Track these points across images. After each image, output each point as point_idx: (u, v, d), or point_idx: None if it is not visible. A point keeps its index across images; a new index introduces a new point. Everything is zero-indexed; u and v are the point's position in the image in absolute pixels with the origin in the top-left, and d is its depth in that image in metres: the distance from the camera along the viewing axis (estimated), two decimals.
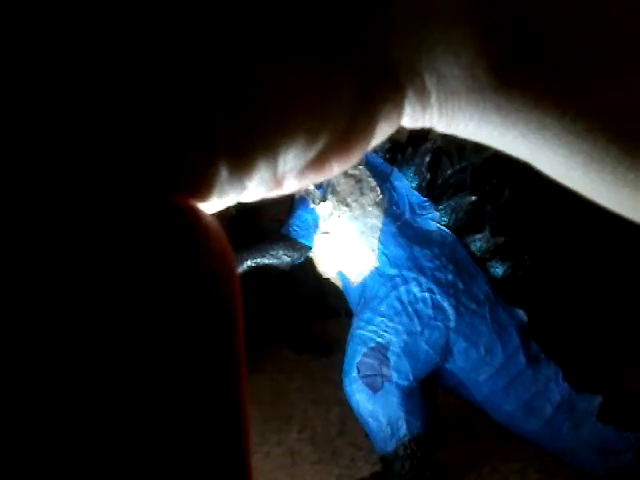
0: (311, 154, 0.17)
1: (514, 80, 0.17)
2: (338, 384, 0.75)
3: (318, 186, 0.77)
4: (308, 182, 0.18)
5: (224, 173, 0.15)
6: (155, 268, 0.14)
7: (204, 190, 0.16)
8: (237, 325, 0.16)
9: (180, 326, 0.14)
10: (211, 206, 0.17)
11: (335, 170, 0.18)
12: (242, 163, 0.16)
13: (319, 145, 0.17)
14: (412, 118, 0.18)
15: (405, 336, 0.73)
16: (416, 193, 0.75)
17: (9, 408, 0.13)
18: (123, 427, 0.14)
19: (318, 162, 0.17)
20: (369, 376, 0.73)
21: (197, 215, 0.16)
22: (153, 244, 0.14)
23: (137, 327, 0.14)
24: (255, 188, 0.17)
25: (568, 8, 0.17)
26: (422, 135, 0.73)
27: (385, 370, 0.72)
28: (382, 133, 0.18)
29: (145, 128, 0.15)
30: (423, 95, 0.18)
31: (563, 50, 0.17)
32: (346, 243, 0.77)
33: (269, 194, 0.18)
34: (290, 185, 0.18)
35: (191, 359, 0.15)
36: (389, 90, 0.18)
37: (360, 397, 0.72)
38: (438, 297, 0.73)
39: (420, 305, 0.73)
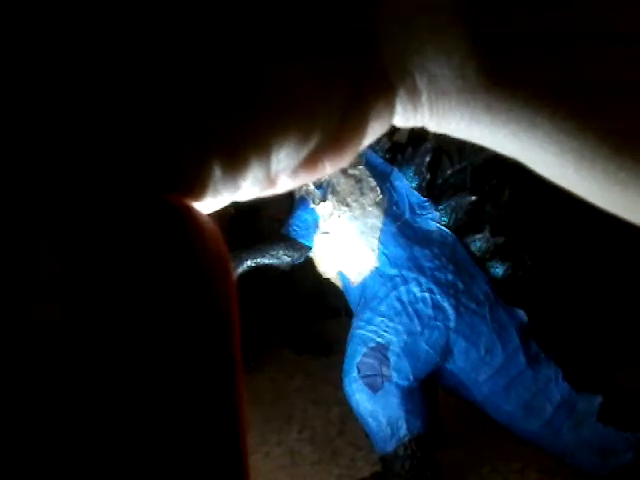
0: (304, 153, 0.17)
1: (504, 80, 0.17)
2: (338, 384, 0.75)
3: (318, 186, 0.77)
4: (301, 181, 0.18)
5: (217, 172, 0.15)
6: (150, 268, 0.14)
7: (198, 189, 0.16)
8: (233, 325, 0.16)
9: (176, 326, 0.14)
10: (206, 206, 0.17)
11: (328, 169, 0.18)
12: (235, 162, 0.16)
13: (311, 144, 0.17)
14: (403, 117, 0.19)
15: (405, 336, 0.73)
16: (416, 193, 0.75)
17: (9, 406, 0.13)
18: (120, 428, 0.14)
19: (311, 161, 0.18)
20: (369, 376, 0.73)
21: (192, 215, 0.16)
22: (148, 244, 0.14)
23: (133, 327, 0.14)
24: (249, 187, 0.17)
25: (560, 9, 0.17)
26: (422, 135, 0.73)
27: (385, 370, 0.72)
28: (374, 132, 0.18)
29: (138, 128, 0.15)
30: (414, 94, 0.18)
31: (555, 50, 0.17)
32: (346, 243, 0.77)
33: (263, 193, 0.18)
34: (284, 184, 0.18)
35: (187, 360, 0.15)
36: (380, 89, 0.18)
37: (360, 397, 0.72)
38: (438, 297, 0.73)
39: (420, 305, 0.73)
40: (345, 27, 0.17)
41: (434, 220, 0.75)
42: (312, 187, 0.78)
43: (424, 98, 0.18)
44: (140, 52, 0.15)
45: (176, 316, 0.14)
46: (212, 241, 0.16)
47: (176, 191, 0.15)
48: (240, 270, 0.79)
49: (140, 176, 0.15)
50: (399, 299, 0.74)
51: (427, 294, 0.73)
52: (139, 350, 0.14)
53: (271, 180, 0.17)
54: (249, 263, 0.80)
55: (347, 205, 0.76)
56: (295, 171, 0.18)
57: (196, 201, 0.16)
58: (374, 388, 0.72)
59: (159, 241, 0.15)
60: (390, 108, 0.18)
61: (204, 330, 0.15)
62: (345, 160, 0.18)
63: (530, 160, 0.19)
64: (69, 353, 0.13)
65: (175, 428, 0.14)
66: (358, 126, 0.18)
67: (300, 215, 0.80)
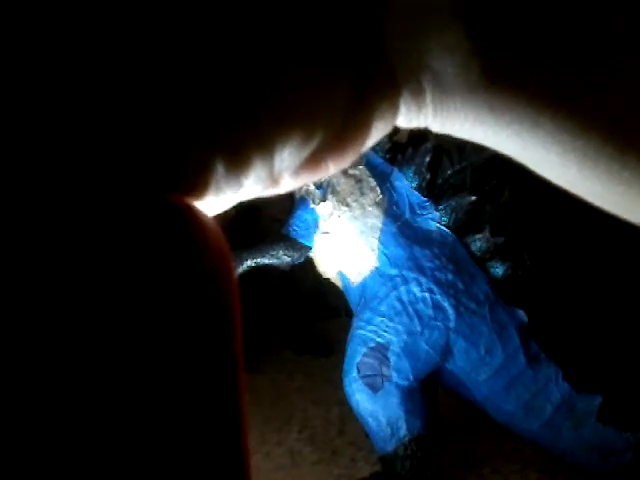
0: (306, 152, 0.17)
1: (506, 80, 0.17)
2: (338, 384, 0.75)
3: (318, 186, 0.78)
4: (304, 181, 0.18)
5: (220, 170, 0.16)
6: (153, 268, 0.14)
7: (201, 187, 0.16)
8: (235, 324, 0.16)
9: (179, 325, 0.14)
10: (209, 205, 0.17)
11: (331, 169, 0.18)
12: (238, 160, 0.16)
13: (314, 143, 0.17)
14: (407, 117, 0.19)
15: (405, 336, 0.73)
16: (416, 193, 0.75)
17: (9, 406, 0.13)
18: (122, 428, 0.14)
19: (314, 161, 0.18)
20: (369, 376, 0.73)
21: (194, 214, 0.16)
22: (150, 244, 0.14)
23: (135, 327, 0.14)
24: (251, 186, 0.17)
25: (562, 9, 0.17)
26: (422, 135, 0.73)
27: (385, 370, 0.72)
28: (377, 133, 0.18)
29: (141, 127, 0.15)
30: (419, 95, 0.18)
31: (557, 49, 0.17)
32: (346, 243, 0.77)
33: (266, 192, 0.18)
34: (286, 183, 0.18)
35: (189, 359, 0.15)
36: (385, 89, 0.18)
37: (360, 397, 0.73)
38: (438, 297, 0.73)
39: (420, 305, 0.73)
40: (350, 27, 0.17)
41: (434, 220, 0.75)
42: (312, 187, 0.78)
43: (429, 99, 0.18)
44: (143, 52, 0.15)
45: (179, 315, 0.14)
46: (214, 240, 0.16)
47: (179, 189, 0.15)
48: (240, 270, 0.79)
49: (142, 175, 0.15)
50: (399, 299, 0.74)
51: (427, 294, 0.73)
52: (141, 349, 0.14)
53: (274, 179, 0.17)
54: (249, 263, 0.80)
55: (347, 205, 0.76)
56: (298, 170, 0.18)
57: (199, 200, 0.16)
58: (374, 388, 0.72)
59: (161, 241, 0.15)
60: (394, 109, 0.18)
61: (207, 329, 0.15)
62: (348, 160, 0.18)
63: (533, 160, 0.19)
64: (71, 353, 0.13)
65: (177, 428, 0.14)
66: (361, 126, 0.18)
67: (300, 215, 0.80)
